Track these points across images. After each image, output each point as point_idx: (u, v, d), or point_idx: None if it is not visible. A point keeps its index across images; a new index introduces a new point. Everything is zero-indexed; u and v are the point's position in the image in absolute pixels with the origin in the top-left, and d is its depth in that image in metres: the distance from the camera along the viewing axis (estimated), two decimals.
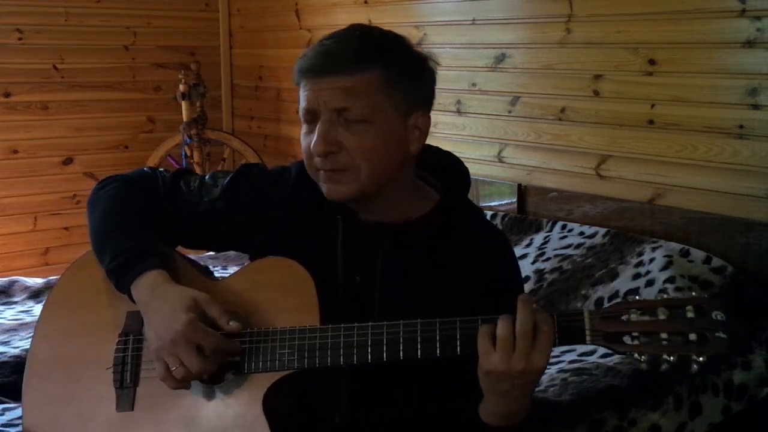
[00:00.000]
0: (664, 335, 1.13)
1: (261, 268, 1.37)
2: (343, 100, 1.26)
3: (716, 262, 2.19)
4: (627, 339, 1.14)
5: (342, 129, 1.27)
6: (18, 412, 1.75)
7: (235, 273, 1.42)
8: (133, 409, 1.34)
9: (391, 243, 1.34)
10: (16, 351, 2.08)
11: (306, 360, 1.25)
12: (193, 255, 2.81)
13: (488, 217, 2.79)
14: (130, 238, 1.36)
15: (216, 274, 1.55)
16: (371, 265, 1.34)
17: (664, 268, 2.13)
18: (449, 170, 1.41)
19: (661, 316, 1.13)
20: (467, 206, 1.43)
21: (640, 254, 2.26)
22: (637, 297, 1.18)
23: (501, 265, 1.39)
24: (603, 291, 2.19)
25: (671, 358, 1.12)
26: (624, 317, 1.15)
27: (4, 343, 2.18)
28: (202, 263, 2.91)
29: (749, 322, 2.06)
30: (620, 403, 1.78)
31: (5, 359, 2.04)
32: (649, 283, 2.12)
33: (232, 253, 2.97)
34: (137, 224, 1.38)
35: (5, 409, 1.78)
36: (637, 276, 2.17)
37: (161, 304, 1.27)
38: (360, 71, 1.26)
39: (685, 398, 1.86)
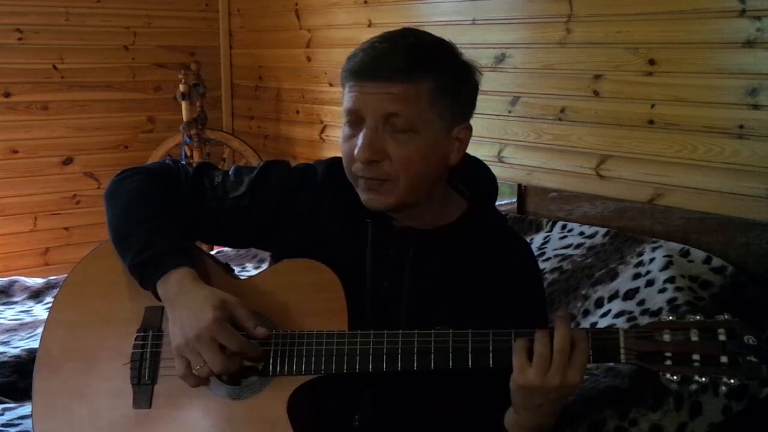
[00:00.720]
0: (696, 356, 1.13)
1: (289, 269, 1.35)
2: (392, 108, 1.24)
3: (716, 262, 2.19)
4: (659, 359, 1.15)
5: (387, 137, 1.25)
6: (18, 412, 1.75)
7: (262, 272, 1.41)
8: (150, 407, 1.32)
9: (419, 249, 1.33)
10: (16, 351, 2.08)
11: (334, 365, 1.23)
12: None
13: None
14: (157, 233, 1.33)
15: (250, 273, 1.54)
16: (399, 271, 1.33)
17: (664, 268, 2.13)
18: (477, 177, 1.40)
19: (694, 338, 1.14)
20: (494, 214, 1.43)
21: (640, 254, 2.26)
22: (669, 317, 1.18)
23: (525, 275, 1.39)
24: (603, 291, 2.19)
25: (703, 379, 1.13)
26: (657, 337, 1.15)
27: (4, 343, 2.18)
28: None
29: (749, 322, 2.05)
30: (621, 403, 1.78)
31: (5, 359, 2.04)
32: (649, 283, 2.12)
33: (232, 252, 2.97)
34: (162, 219, 1.36)
35: (5, 409, 1.78)
36: (637, 276, 2.17)
37: (189, 301, 1.25)
38: (411, 81, 1.25)
39: (685, 398, 1.86)
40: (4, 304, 2.59)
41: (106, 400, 1.34)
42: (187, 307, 1.25)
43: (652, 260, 2.20)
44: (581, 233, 2.50)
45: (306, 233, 1.38)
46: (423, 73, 1.26)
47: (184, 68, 3.89)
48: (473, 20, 2.96)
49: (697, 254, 2.22)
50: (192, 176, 1.44)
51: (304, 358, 1.25)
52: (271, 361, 1.26)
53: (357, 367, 1.23)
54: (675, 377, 1.13)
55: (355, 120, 1.27)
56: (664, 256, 2.19)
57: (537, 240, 2.57)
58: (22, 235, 3.91)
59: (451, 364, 1.20)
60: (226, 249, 3.00)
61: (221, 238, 1.50)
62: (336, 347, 1.24)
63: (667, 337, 1.15)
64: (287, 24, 3.89)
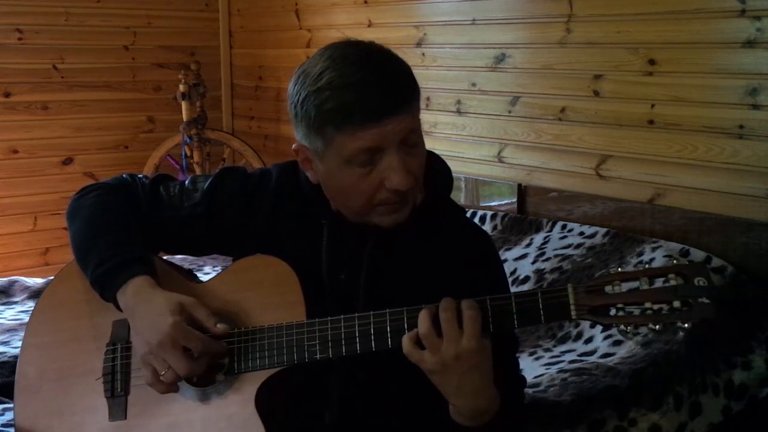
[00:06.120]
0: (648, 304, 1.14)
1: (244, 267, 1.37)
2: (409, 130, 1.24)
3: (716, 262, 2.19)
4: (612, 311, 1.15)
5: (407, 155, 1.25)
6: None
7: (219, 273, 1.42)
8: (126, 418, 1.34)
9: (376, 242, 1.34)
10: (16, 351, 2.07)
11: (295, 355, 1.26)
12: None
13: (488, 217, 2.79)
14: (114, 246, 1.34)
15: (213, 274, 1.54)
16: (356, 263, 1.34)
17: None
18: (432, 170, 1.39)
19: (644, 286, 1.14)
20: (450, 205, 1.43)
21: (640, 254, 2.26)
22: (619, 269, 1.18)
23: (485, 263, 1.40)
24: None
25: (657, 327, 1.13)
26: (608, 289, 1.15)
27: (4, 343, 2.18)
28: (200, 262, 2.89)
29: (749, 322, 2.06)
30: (620, 403, 1.78)
31: (5, 359, 2.04)
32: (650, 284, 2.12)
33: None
34: (120, 231, 1.37)
35: (5, 409, 1.78)
36: None
37: (148, 309, 1.27)
38: (416, 97, 1.26)
39: (685, 398, 1.86)
40: (4, 304, 2.59)
41: (84, 416, 1.37)
42: (146, 316, 1.27)
43: (651, 260, 2.20)
44: (581, 233, 2.50)
45: (263, 236, 1.39)
46: (416, 86, 1.27)
47: (184, 68, 3.89)
48: (473, 20, 2.96)
49: (697, 254, 2.22)
50: (149, 188, 1.45)
51: (266, 352, 1.27)
52: (235, 358, 1.29)
53: (317, 355, 1.25)
54: (629, 328, 1.14)
55: (370, 157, 1.23)
56: (664, 256, 2.19)
57: (537, 240, 2.57)
58: (22, 235, 3.91)
59: None
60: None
61: (181, 246, 1.50)
62: (296, 338, 1.26)
63: (617, 289, 1.15)
64: (287, 24, 3.89)
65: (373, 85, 1.20)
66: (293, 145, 1.33)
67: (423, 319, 1.16)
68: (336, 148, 1.23)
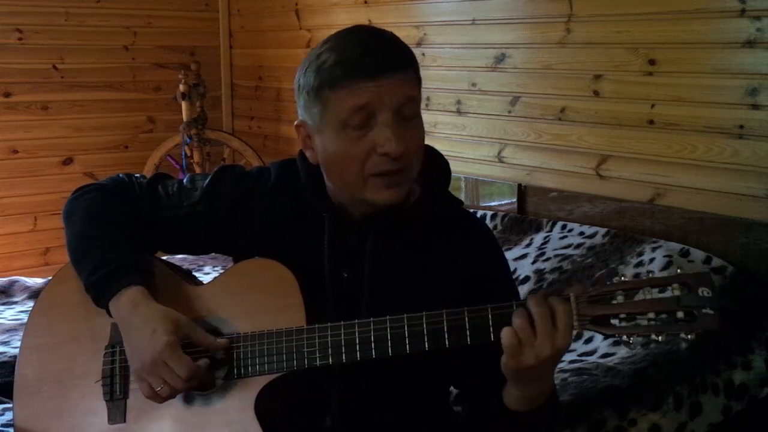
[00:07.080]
0: (651, 315, 1.12)
1: (243, 271, 1.36)
2: (406, 96, 1.24)
3: (716, 262, 2.19)
4: (614, 321, 1.13)
5: (401, 126, 1.24)
6: None
7: (219, 276, 1.41)
8: (125, 421, 1.34)
9: (376, 236, 1.33)
10: (16, 351, 2.07)
11: (295, 361, 1.25)
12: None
13: (488, 217, 2.79)
14: (109, 251, 1.33)
15: (213, 275, 1.54)
16: (358, 260, 1.33)
17: (664, 268, 2.13)
18: (430, 163, 1.38)
19: (647, 296, 1.13)
20: (449, 198, 1.43)
21: (640, 254, 2.26)
22: (622, 277, 1.17)
23: (486, 255, 1.39)
24: None
25: (659, 338, 1.12)
26: (610, 299, 1.14)
27: (4, 343, 2.18)
28: (200, 262, 2.89)
29: (749, 322, 2.06)
30: (620, 403, 1.78)
31: (5, 359, 2.04)
32: None
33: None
34: (116, 235, 1.36)
35: (5, 409, 1.78)
36: (636, 276, 2.17)
37: (141, 323, 1.26)
38: (414, 67, 1.27)
39: (685, 398, 1.86)
40: (4, 304, 2.59)
41: (83, 419, 1.36)
42: (140, 330, 1.26)
43: (652, 260, 2.19)
44: (581, 233, 2.50)
45: (263, 235, 1.38)
46: (414, 59, 1.28)
47: (184, 68, 3.89)
48: (473, 20, 2.96)
49: (697, 254, 2.22)
50: (146, 187, 1.44)
51: (266, 358, 1.26)
52: (234, 363, 1.28)
53: (317, 361, 1.24)
54: (632, 339, 1.12)
55: (365, 119, 1.23)
56: (664, 256, 2.19)
57: (537, 240, 2.57)
58: (22, 235, 3.91)
59: (408, 348, 1.20)
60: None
61: (181, 245, 1.49)
62: (295, 343, 1.25)
63: (620, 299, 1.13)
64: (287, 24, 3.89)
65: (369, 46, 1.23)
66: (295, 122, 1.33)
67: (519, 320, 1.13)
68: (332, 110, 1.23)
